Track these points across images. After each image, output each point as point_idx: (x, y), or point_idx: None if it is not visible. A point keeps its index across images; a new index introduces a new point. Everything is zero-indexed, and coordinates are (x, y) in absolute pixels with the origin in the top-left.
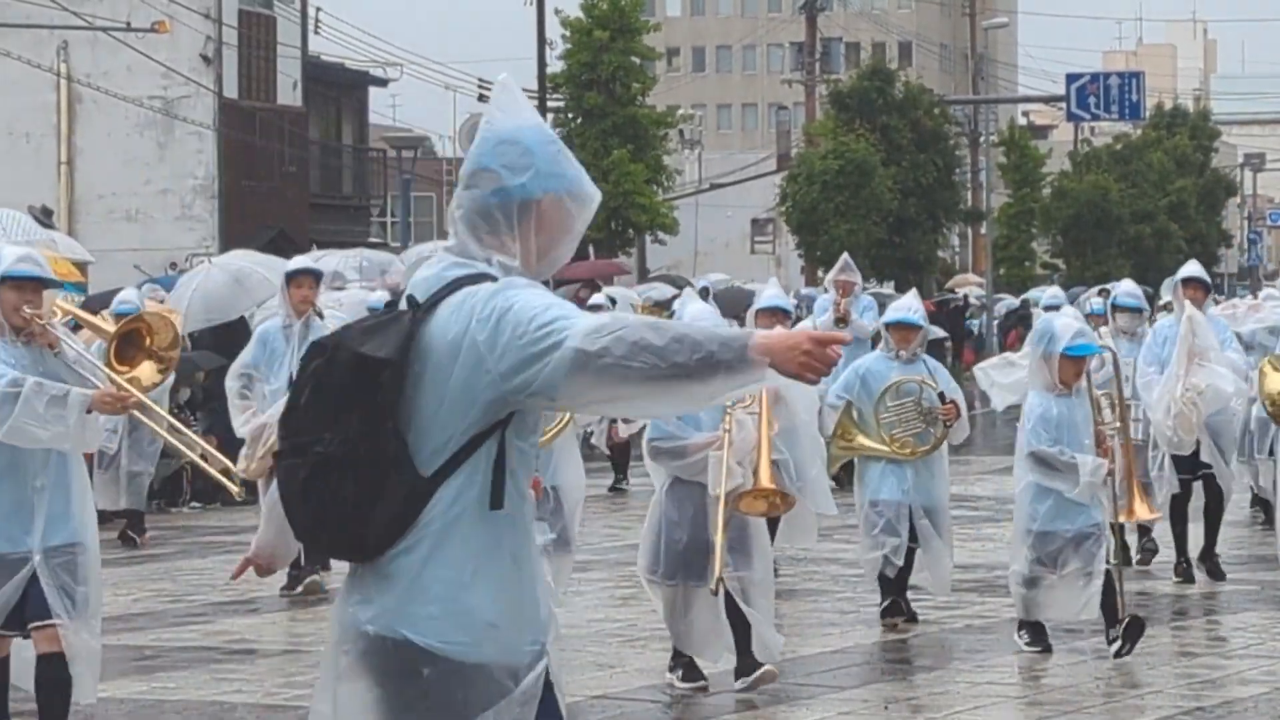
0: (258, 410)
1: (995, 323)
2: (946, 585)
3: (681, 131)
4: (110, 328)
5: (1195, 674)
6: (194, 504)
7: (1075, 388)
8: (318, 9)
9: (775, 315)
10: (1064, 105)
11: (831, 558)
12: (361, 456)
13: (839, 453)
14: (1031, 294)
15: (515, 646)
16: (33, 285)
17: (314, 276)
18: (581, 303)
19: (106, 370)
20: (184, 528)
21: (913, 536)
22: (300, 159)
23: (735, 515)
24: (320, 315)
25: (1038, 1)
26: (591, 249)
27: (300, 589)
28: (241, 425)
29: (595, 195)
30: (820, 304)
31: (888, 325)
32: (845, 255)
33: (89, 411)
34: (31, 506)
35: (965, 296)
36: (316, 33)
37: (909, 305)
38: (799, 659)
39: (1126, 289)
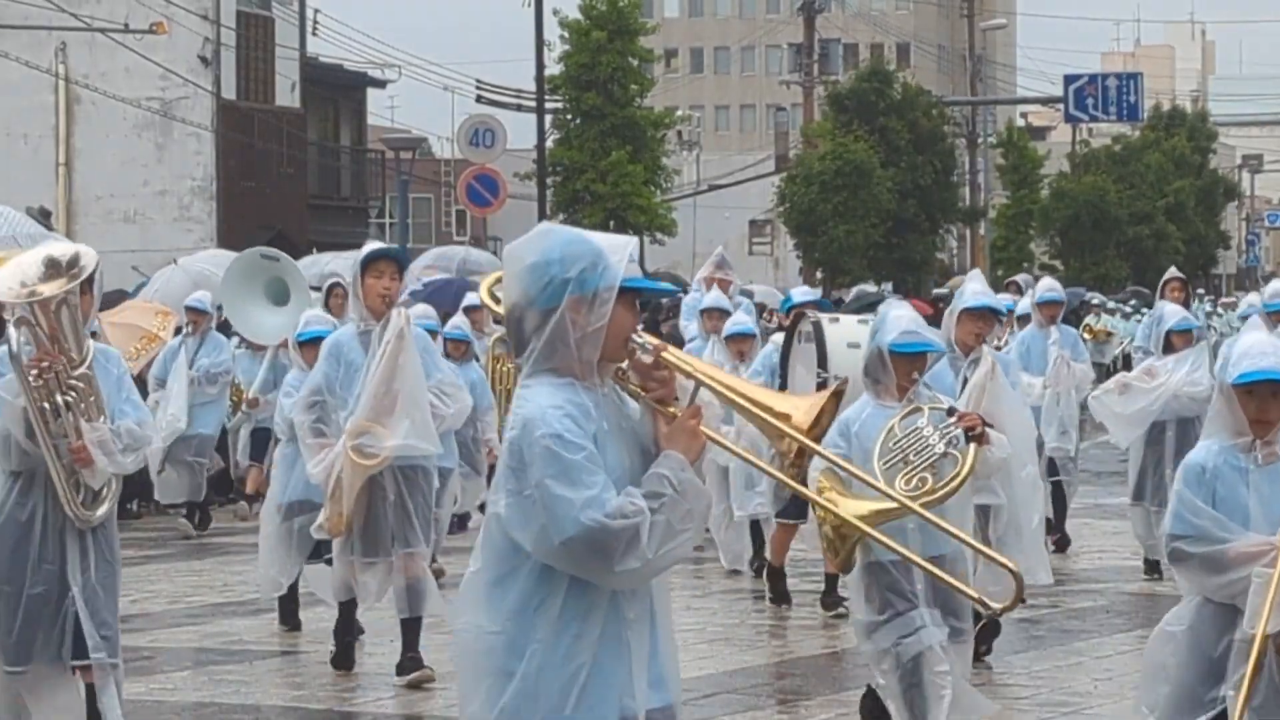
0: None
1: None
2: None
3: (680, 133)
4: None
5: None
6: None
7: None
8: (316, 10)
9: (983, 318)
10: (1062, 106)
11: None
12: None
13: None
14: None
15: None
16: (629, 296)
17: (396, 263)
18: None
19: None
20: (182, 529)
21: None
22: (298, 160)
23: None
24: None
25: (1036, 3)
26: None
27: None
28: (316, 466)
29: None
30: (689, 306)
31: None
32: (720, 250)
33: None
34: (627, 648)
35: None
36: (314, 34)
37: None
38: (798, 660)
39: None
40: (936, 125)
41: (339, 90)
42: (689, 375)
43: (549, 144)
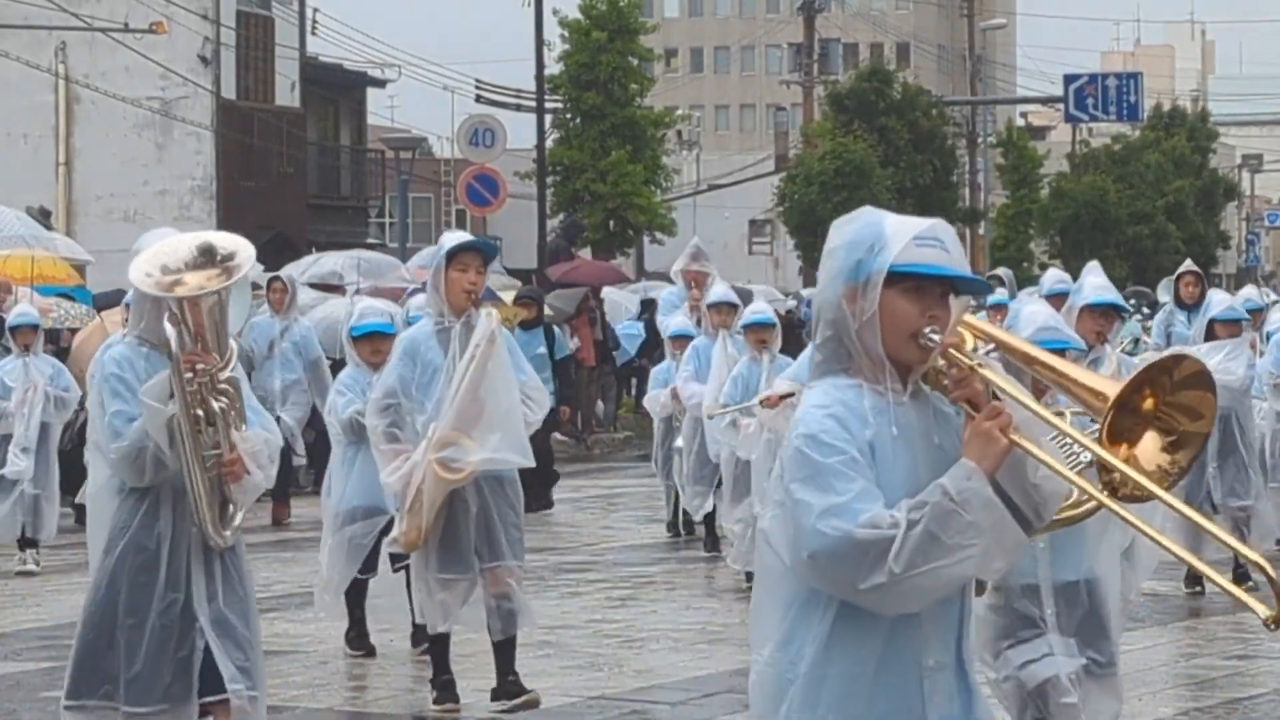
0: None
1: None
2: None
3: (680, 132)
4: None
5: (1195, 674)
6: None
7: None
8: (315, 10)
9: (1106, 315)
10: (1062, 106)
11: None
12: None
13: None
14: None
15: None
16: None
17: (483, 255)
18: (590, 309)
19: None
20: None
21: None
22: (298, 160)
23: None
24: (478, 306)
25: (1036, 2)
26: (589, 250)
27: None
28: (391, 475)
29: None
30: (667, 299)
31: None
32: (695, 240)
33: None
34: (921, 700)
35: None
36: (314, 34)
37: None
38: None
39: None
40: (936, 125)
41: (339, 90)
42: (974, 369)
43: (549, 144)
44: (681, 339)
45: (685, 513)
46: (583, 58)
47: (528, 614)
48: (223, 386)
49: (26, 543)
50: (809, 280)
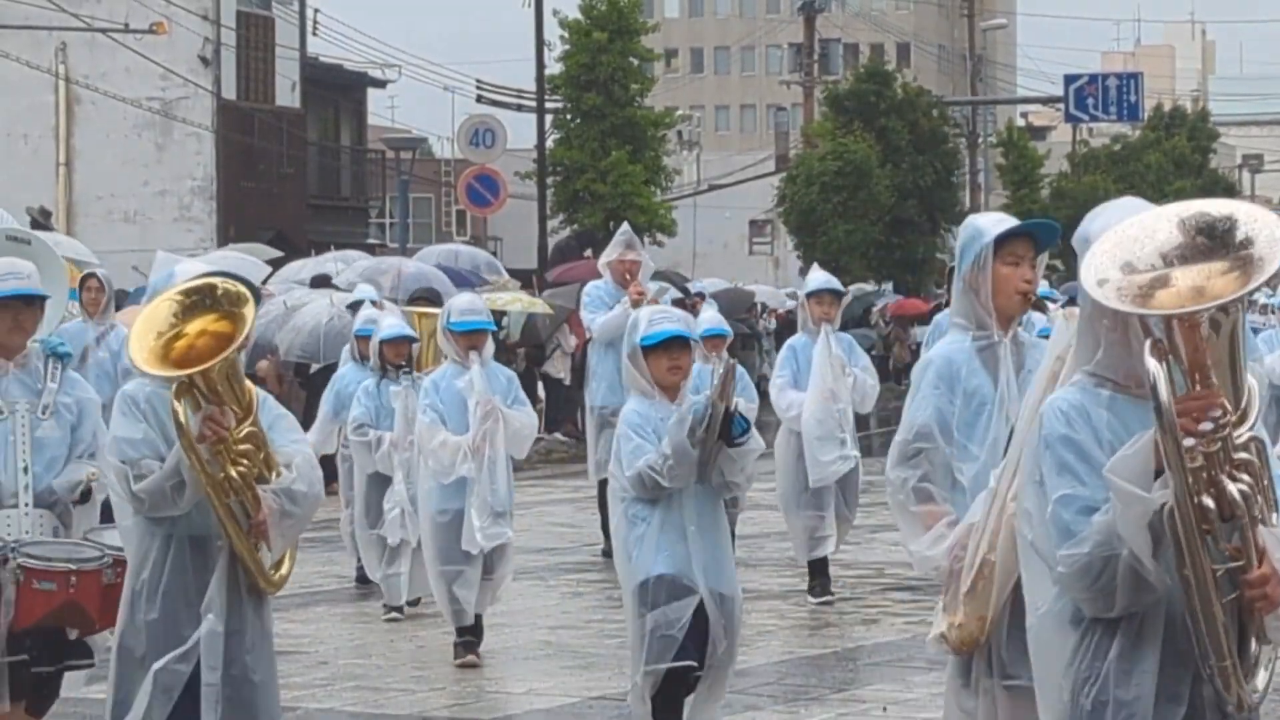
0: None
1: None
2: None
3: (680, 133)
4: None
5: None
6: None
7: None
8: (316, 10)
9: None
10: (1062, 106)
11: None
12: None
13: None
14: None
15: None
16: None
17: (1037, 245)
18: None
19: None
20: None
21: None
22: (298, 160)
23: None
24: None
25: (1036, 2)
26: (590, 252)
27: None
28: (933, 545)
29: None
30: (594, 296)
31: None
32: (625, 227)
33: None
34: None
35: None
36: (315, 34)
37: None
38: (798, 660)
39: None
40: (937, 125)
41: (339, 90)
42: None
43: (549, 144)
44: (716, 338)
45: None
46: (583, 58)
47: None
48: (1242, 457)
49: None
50: None
